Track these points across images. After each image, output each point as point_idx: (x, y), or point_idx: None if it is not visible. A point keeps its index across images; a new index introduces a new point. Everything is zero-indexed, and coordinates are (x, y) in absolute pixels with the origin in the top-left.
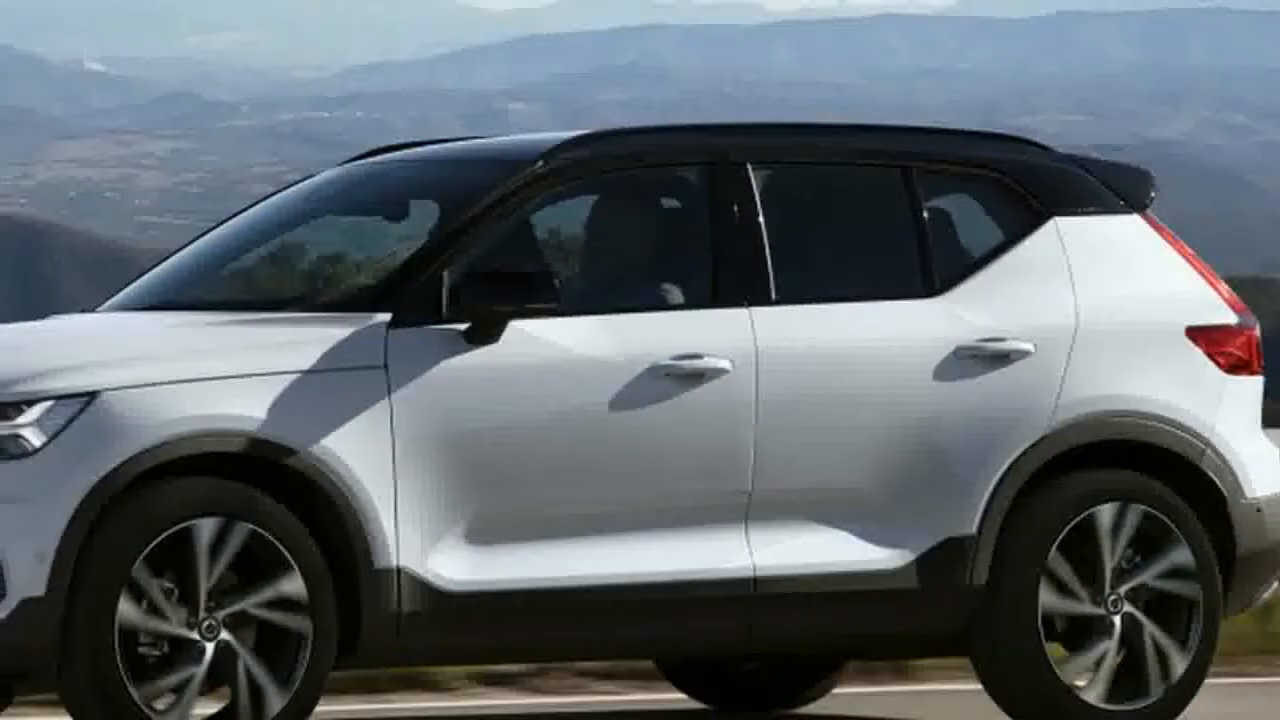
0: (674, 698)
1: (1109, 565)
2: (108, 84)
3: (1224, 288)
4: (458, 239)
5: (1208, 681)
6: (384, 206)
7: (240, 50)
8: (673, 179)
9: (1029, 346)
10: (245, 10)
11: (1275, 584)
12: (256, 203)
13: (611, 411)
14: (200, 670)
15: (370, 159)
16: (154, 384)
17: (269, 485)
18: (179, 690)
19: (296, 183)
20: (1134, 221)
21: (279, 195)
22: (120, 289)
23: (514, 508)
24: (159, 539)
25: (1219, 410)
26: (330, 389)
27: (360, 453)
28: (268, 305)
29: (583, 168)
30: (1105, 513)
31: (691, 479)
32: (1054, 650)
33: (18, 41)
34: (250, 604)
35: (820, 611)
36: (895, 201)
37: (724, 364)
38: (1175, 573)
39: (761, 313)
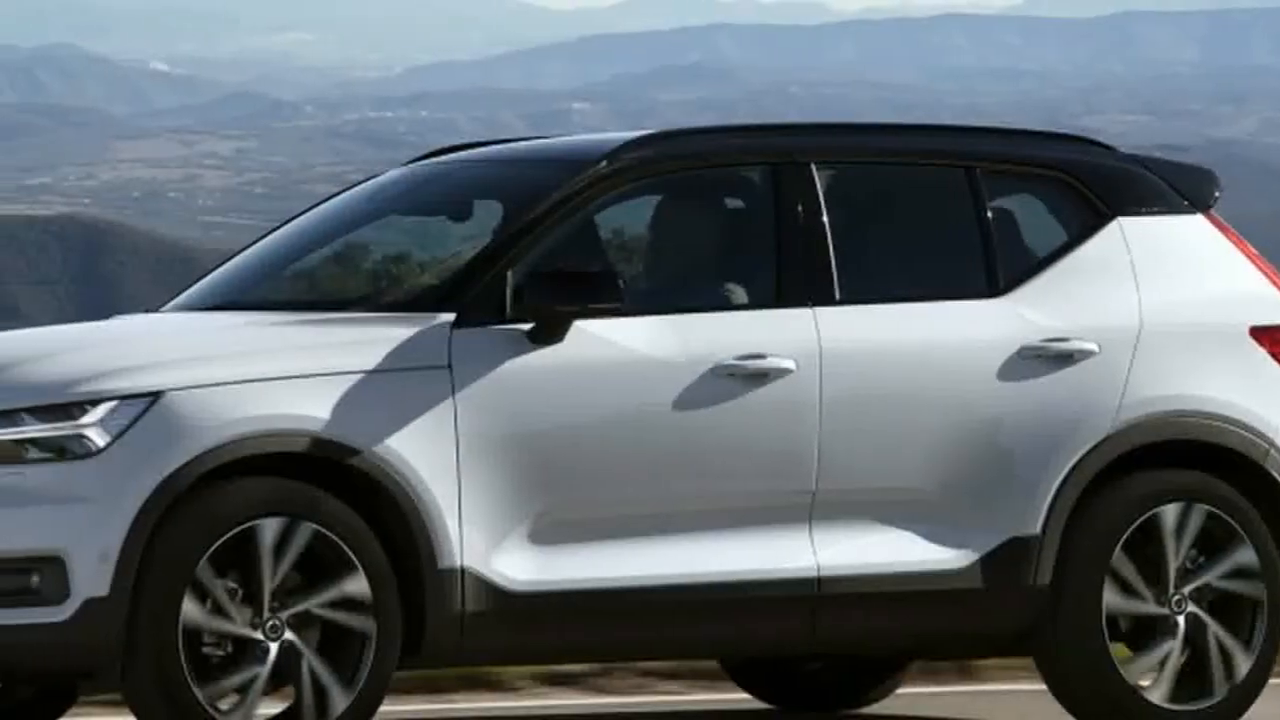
0: (738, 698)
1: (1173, 565)
2: (172, 84)
3: None
4: (522, 239)
5: (1271, 681)
6: (448, 206)
7: (304, 50)
8: (737, 179)
9: (1093, 346)
10: (309, 10)
11: None
12: (320, 203)
13: (675, 411)
14: (264, 670)
15: (434, 159)
16: (218, 384)
17: (333, 485)
18: (243, 690)
19: (360, 182)
20: (1197, 221)
21: (343, 195)
22: (184, 289)
23: (578, 507)
24: (223, 539)
25: None
26: (394, 389)
27: (424, 453)
28: (332, 305)
29: (647, 168)
30: (1169, 513)
31: (756, 479)
32: (1118, 650)
33: (82, 41)
34: (314, 604)
35: (884, 611)
36: (959, 201)
37: (788, 364)
38: (1239, 573)
39: (825, 313)
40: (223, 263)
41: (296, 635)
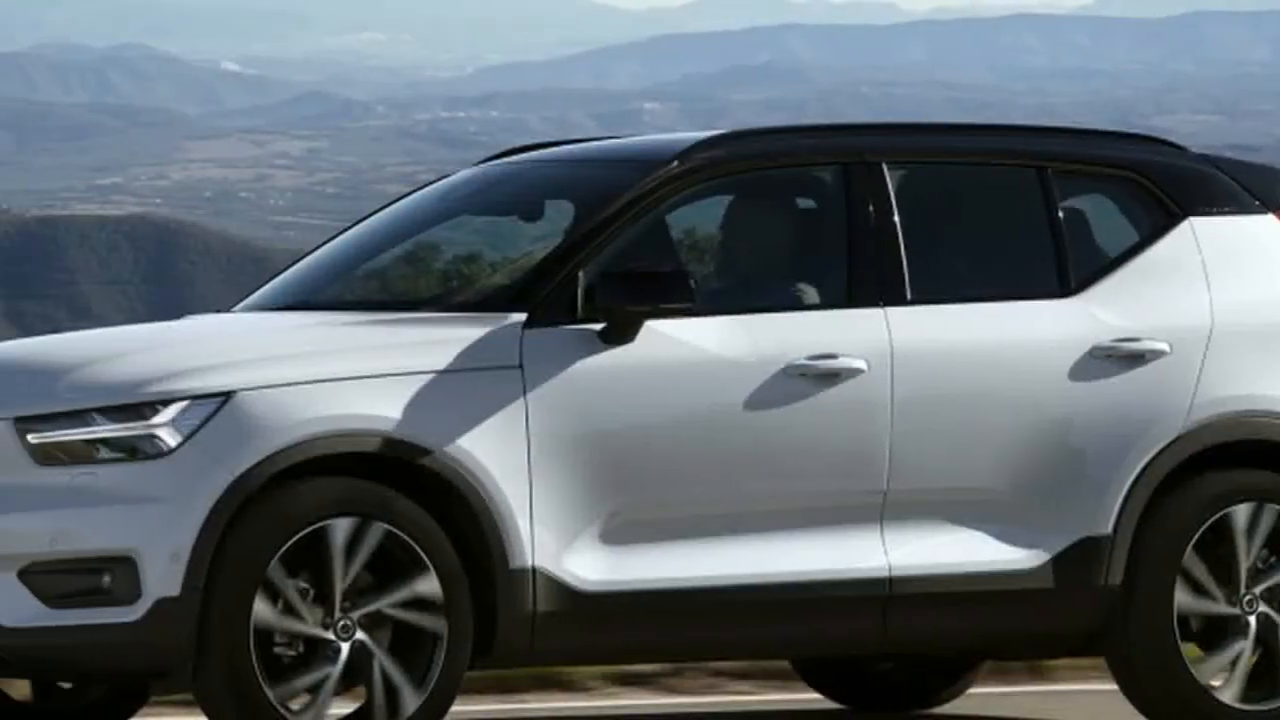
0: (809, 698)
1: (1244, 565)
2: (243, 84)
3: None
4: (593, 239)
5: None
6: (519, 206)
7: (377, 49)
8: (808, 179)
9: (1164, 346)
10: (380, 10)
11: None
12: (392, 203)
13: (746, 411)
14: (335, 670)
15: (505, 159)
16: (289, 384)
17: (404, 485)
18: (314, 690)
19: (432, 182)
20: (1269, 221)
21: (414, 195)
22: (256, 289)
23: (649, 507)
24: (295, 539)
25: None
26: (465, 389)
27: (495, 453)
28: (403, 305)
29: (718, 167)
30: (1240, 513)
31: (827, 479)
32: (1189, 651)
33: (154, 42)
34: (386, 604)
35: (955, 611)
36: (1030, 201)
37: (859, 364)
38: None
39: (897, 313)
40: (294, 262)
41: (368, 635)
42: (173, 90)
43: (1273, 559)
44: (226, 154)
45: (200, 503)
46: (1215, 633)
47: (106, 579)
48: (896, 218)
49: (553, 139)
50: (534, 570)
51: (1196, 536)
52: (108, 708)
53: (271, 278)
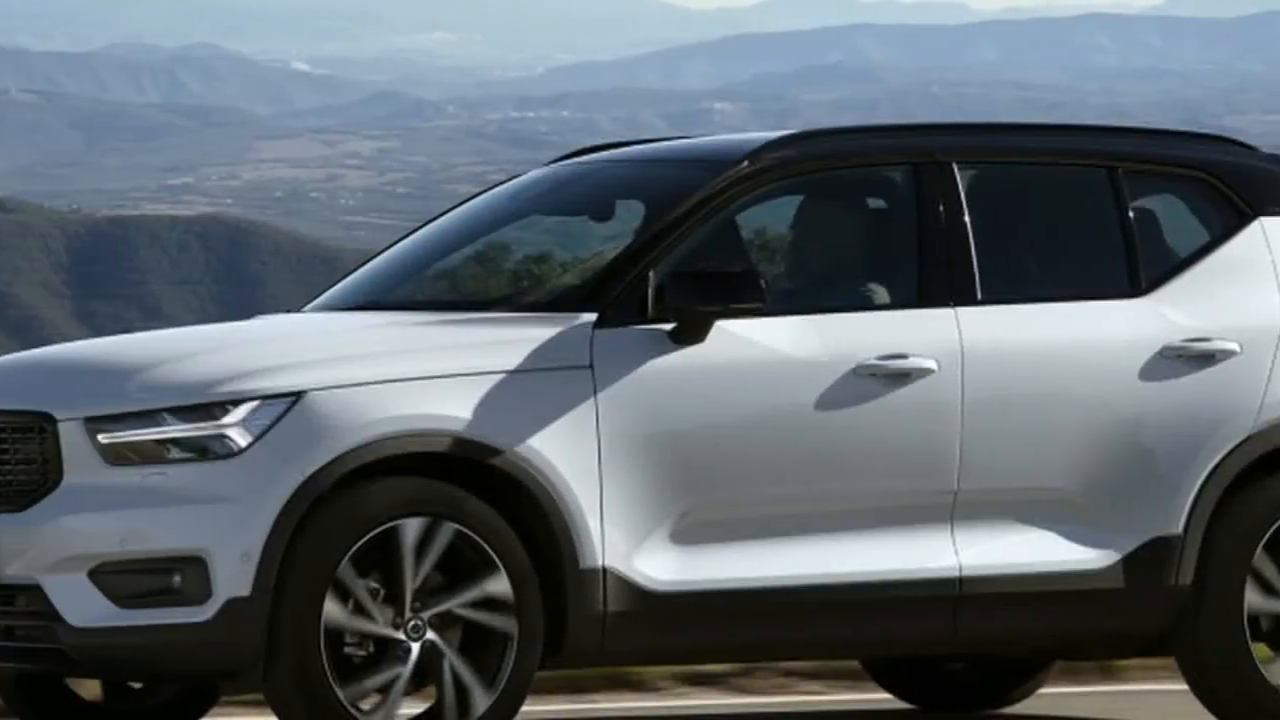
0: (880, 697)
1: None
2: (313, 84)
3: None
4: (664, 239)
5: None
6: (590, 206)
7: (446, 49)
8: (879, 179)
9: (1234, 346)
10: (450, 9)
11: None
12: (462, 202)
13: (817, 411)
14: (406, 670)
15: (576, 159)
16: (360, 384)
17: (474, 485)
18: (384, 690)
19: (502, 182)
20: None
21: (485, 195)
22: (326, 289)
23: (719, 507)
24: (365, 539)
25: None
26: (536, 389)
27: (566, 453)
28: (473, 305)
29: (788, 168)
30: None
31: (897, 479)
32: (1259, 650)
33: (224, 42)
34: (456, 604)
35: (1026, 611)
36: (1101, 201)
37: (930, 364)
38: None
39: (967, 313)
40: (364, 262)
41: (438, 635)
42: (243, 90)
43: None
44: (297, 154)
45: (270, 503)
46: None
47: (177, 579)
48: (967, 218)
49: (623, 139)
50: (604, 570)
51: (1267, 536)
52: (178, 708)
53: (342, 278)
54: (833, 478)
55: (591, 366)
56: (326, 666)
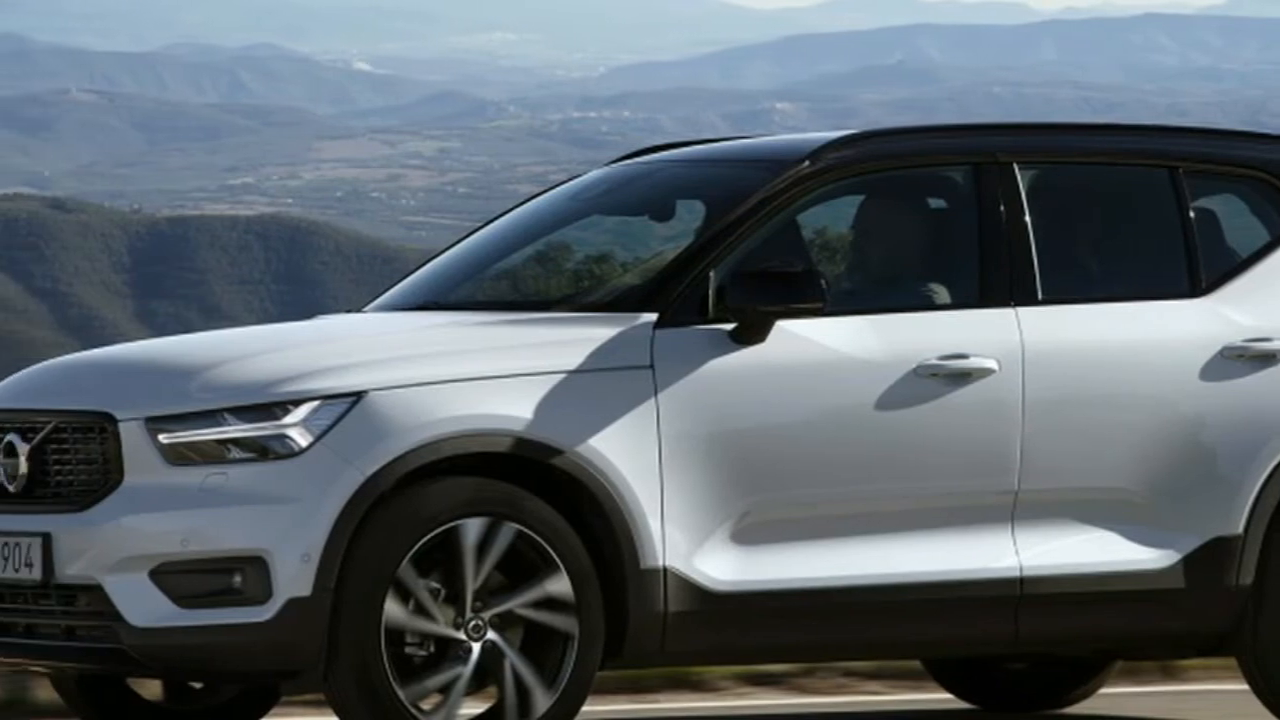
0: (941, 697)
1: None
2: (374, 84)
3: None
4: (724, 239)
5: None
6: (650, 206)
7: (506, 49)
8: (939, 178)
9: None
10: (511, 9)
11: None
12: (523, 202)
13: (877, 411)
14: (466, 670)
15: (637, 159)
16: (421, 384)
17: (535, 485)
18: (445, 690)
19: (563, 182)
20: None
21: (545, 195)
22: (387, 289)
23: (780, 507)
24: (425, 539)
25: None
26: (596, 389)
27: (627, 453)
28: (534, 305)
29: (849, 168)
30: None
31: (958, 479)
32: None
33: (285, 42)
34: (517, 604)
35: (1087, 612)
36: (1161, 201)
37: (990, 364)
38: None
39: (1028, 313)
40: (425, 263)
41: (499, 635)
42: (304, 90)
43: None
44: (358, 154)
45: (331, 503)
46: None
47: (238, 579)
48: (1028, 217)
49: (684, 139)
50: (665, 570)
51: None
52: (239, 708)
53: (402, 278)
54: (893, 478)
55: (652, 366)
56: (387, 666)
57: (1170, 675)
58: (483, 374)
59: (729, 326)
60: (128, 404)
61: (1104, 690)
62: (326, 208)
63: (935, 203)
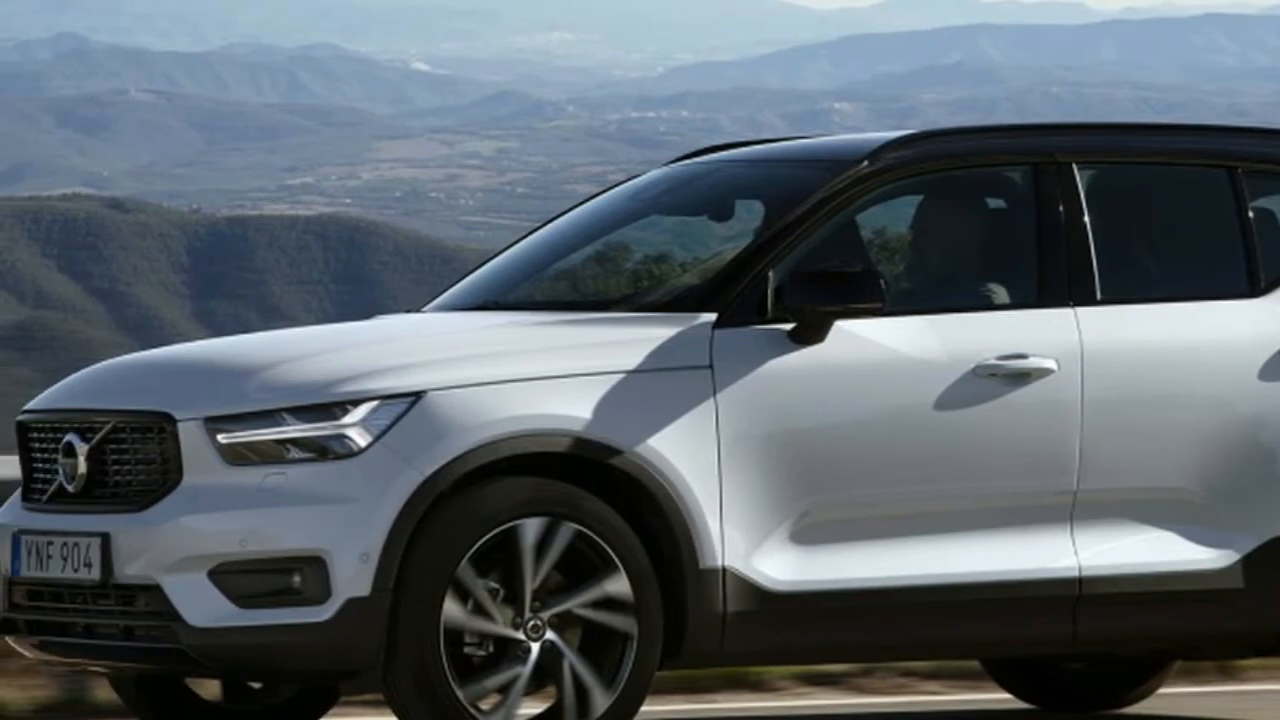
0: (1000, 697)
1: None
2: (433, 84)
3: None
4: (783, 239)
5: None
6: (709, 206)
7: (564, 49)
8: (998, 179)
9: None
10: (569, 9)
11: None
12: (582, 203)
13: (936, 411)
14: (525, 670)
15: (696, 159)
16: (480, 384)
17: (594, 485)
18: (504, 690)
19: (622, 182)
20: None
21: (604, 195)
22: (445, 289)
23: (839, 507)
24: (484, 539)
25: None
26: (655, 389)
27: (686, 453)
28: (593, 305)
29: (908, 168)
30: None
31: (1017, 479)
32: None
33: (343, 42)
34: (576, 604)
35: (1145, 612)
36: (1220, 201)
37: (1049, 364)
38: None
39: (1087, 313)
40: (484, 263)
41: (558, 635)
42: (362, 90)
43: None
44: (416, 154)
45: (390, 503)
46: None
47: (296, 579)
48: (1086, 218)
49: (743, 139)
50: (724, 570)
51: None
52: (298, 707)
53: (461, 277)
54: (952, 478)
55: (711, 366)
56: (446, 666)
57: (1228, 675)
58: (542, 374)
59: (788, 327)
60: (186, 404)
61: (1162, 690)
62: (385, 208)
63: (994, 203)
